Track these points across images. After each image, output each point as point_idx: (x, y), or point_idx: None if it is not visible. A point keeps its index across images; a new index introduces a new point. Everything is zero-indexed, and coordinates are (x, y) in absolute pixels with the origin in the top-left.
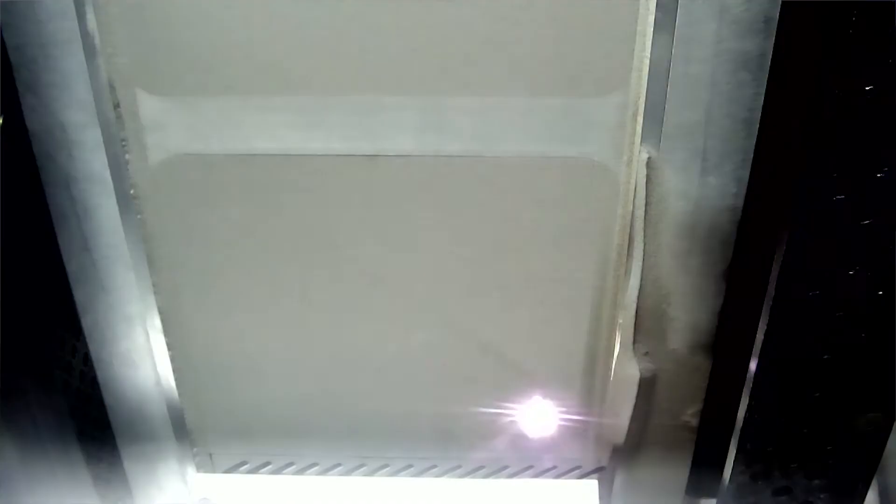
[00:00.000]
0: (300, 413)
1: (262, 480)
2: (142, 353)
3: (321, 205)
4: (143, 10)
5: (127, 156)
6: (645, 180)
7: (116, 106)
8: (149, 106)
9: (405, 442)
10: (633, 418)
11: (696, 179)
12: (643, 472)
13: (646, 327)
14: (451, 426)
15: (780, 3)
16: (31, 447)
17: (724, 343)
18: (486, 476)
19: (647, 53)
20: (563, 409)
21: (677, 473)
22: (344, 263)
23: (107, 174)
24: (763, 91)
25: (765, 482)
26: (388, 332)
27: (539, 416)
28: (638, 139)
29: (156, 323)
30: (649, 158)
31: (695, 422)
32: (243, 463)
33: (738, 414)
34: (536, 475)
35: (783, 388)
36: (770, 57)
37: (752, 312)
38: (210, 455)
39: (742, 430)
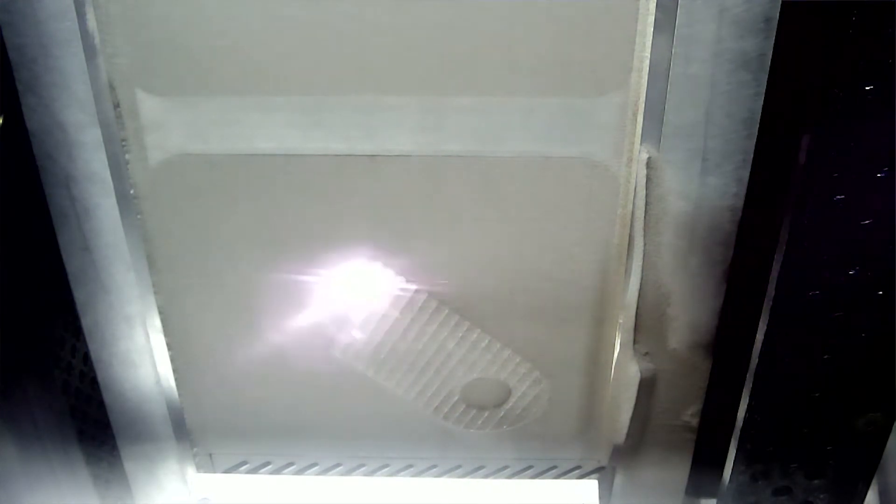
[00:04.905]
0: (300, 413)
1: (262, 480)
2: (142, 353)
3: (321, 205)
4: (143, 10)
5: (127, 156)
6: (645, 180)
7: (116, 106)
8: (149, 106)
9: (405, 442)
10: (633, 418)
11: (696, 179)
12: (643, 472)
13: (646, 327)
14: (451, 426)
15: (780, 3)
16: (31, 447)
17: (724, 343)
18: (486, 476)
19: (647, 53)
20: (563, 409)
21: (677, 473)
22: (343, 263)
23: (107, 174)
24: (763, 91)
25: (765, 482)
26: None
27: (538, 415)
28: (638, 139)
29: (156, 323)
30: (649, 158)
31: (695, 422)
32: (243, 463)
33: (738, 414)
34: (536, 475)
35: (783, 388)
36: (770, 57)
37: (752, 312)
38: (210, 455)
39: (742, 430)
